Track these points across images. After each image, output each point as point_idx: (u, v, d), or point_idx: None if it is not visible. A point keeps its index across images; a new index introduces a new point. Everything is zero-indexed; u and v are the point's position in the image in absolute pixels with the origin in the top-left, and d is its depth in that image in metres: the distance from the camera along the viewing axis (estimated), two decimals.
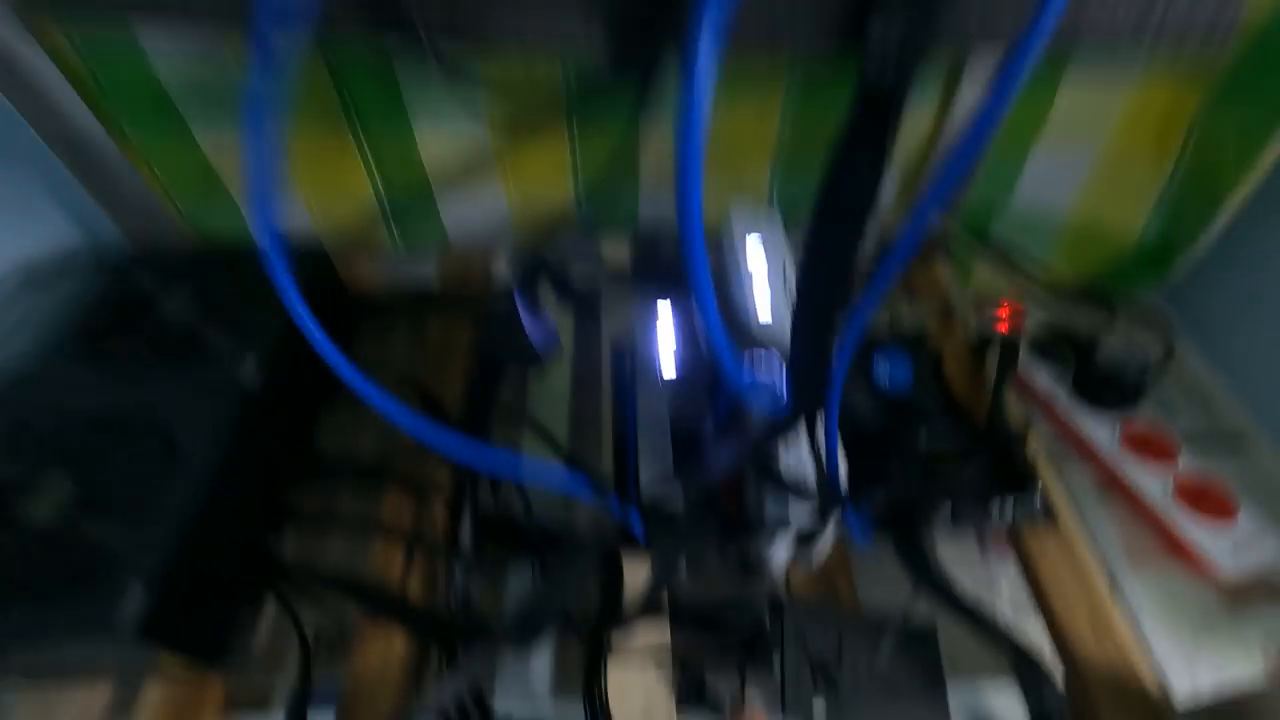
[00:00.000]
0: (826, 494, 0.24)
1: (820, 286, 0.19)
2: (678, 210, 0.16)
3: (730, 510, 0.31)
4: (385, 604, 0.35)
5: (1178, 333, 0.55)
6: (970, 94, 0.48)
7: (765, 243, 0.35)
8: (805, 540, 0.29)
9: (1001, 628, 0.32)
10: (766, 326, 0.32)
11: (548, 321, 0.28)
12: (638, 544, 0.36)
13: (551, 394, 0.51)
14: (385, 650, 0.36)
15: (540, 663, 0.38)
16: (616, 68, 0.16)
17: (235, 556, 0.36)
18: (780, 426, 0.23)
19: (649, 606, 0.30)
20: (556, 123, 0.49)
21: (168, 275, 0.44)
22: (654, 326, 0.34)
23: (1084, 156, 0.53)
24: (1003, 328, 0.54)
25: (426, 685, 0.35)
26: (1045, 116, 0.50)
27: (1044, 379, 0.50)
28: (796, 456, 0.27)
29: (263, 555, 0.38)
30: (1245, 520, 0.43)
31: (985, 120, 0.16)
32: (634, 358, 0.35)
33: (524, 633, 0.23)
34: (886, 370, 0.40)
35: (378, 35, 0.16)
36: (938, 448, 0.39)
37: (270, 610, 0.42)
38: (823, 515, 0.25)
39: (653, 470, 0.30)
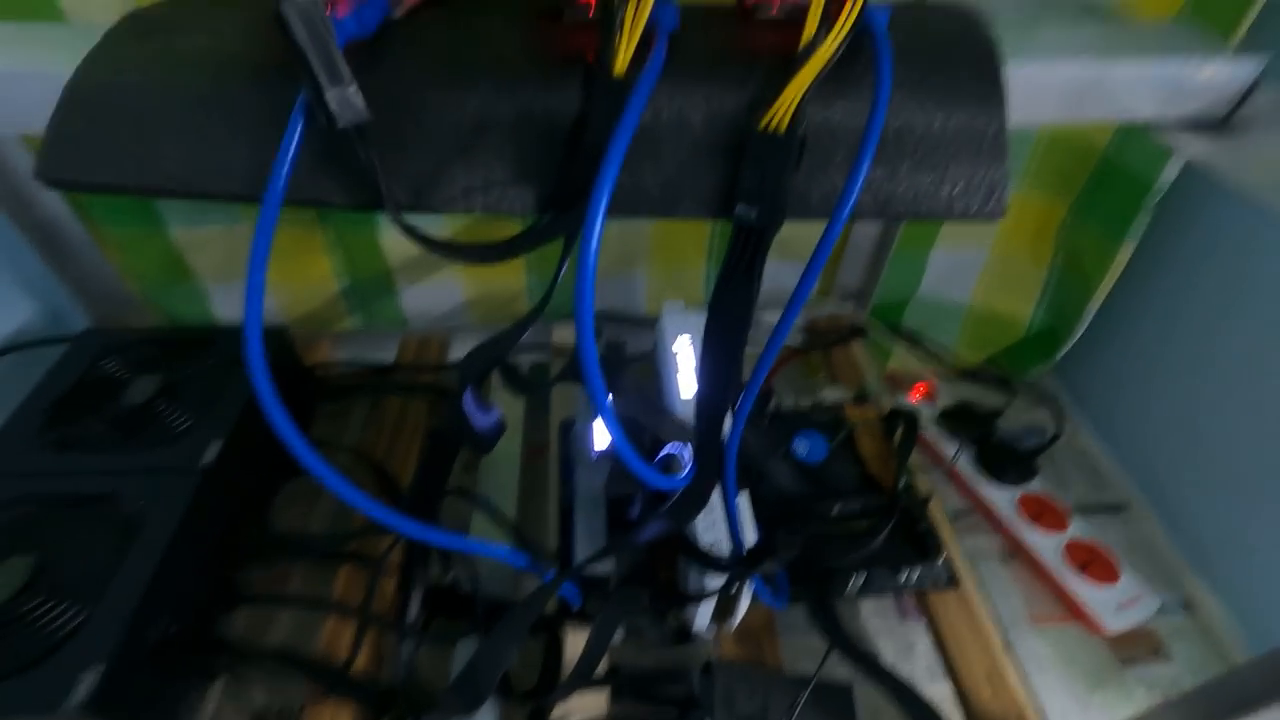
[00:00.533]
0: (737, 564, 0.28)
1: (713, 374, 0.23)
2: (576, 335, 0.20)
3: (663, 580, 0.34)
4: (331, 679, 0.36)
5: (1067, 410, 0.62)
6: None
7: (694, 340, 0.40)
8: (724, 606, 0.33)
9: (901, 683, 0.36)
10: (687, 403, 0.36)
11: (494, 412, 0.32)
12: (578, 615, 0.39)
13: (502, 472, 0.54)
14: None
15: None
16: (552, 228, 0.21)
17: (186, 635, 0.37)
18: (689, 502, 0.27)
19: (584, 675, 0.33)
20: (511, 224, 0.54)
21: (132, 357, 0.46)
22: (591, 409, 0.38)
23: (976, 258, 0.61)
24: (914, 397, 0.60)
25: None
26: (939, 226, 0.58)
27: (950, 451, 0.55)
28: (714, 530, 0.31)
29: (212, 634, 0.39)
30: (1127, 581, 0.48)
31: (820, 256, 0.21)
32: (575, 438, 0.39)
33: (464, 697, 0.25)
34: (806, 447, 0.45)
35: (352, 208, 0.21)
36: (850, 518, 0.43)
37: (219, 688, 0.42)
38: (732, 583, 0.28)
39: (587, 543, 0.33)
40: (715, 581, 0.30)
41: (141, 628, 0.33)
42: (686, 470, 0.26)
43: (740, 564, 0.27)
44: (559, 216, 0.21)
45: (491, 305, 0.60)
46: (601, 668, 0.40)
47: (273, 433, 0.38)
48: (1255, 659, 0.26)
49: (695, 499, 0.26)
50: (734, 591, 0.31)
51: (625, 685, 0.40)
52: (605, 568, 0.33)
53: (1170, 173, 0.46)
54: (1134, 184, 0.49)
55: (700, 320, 0.37)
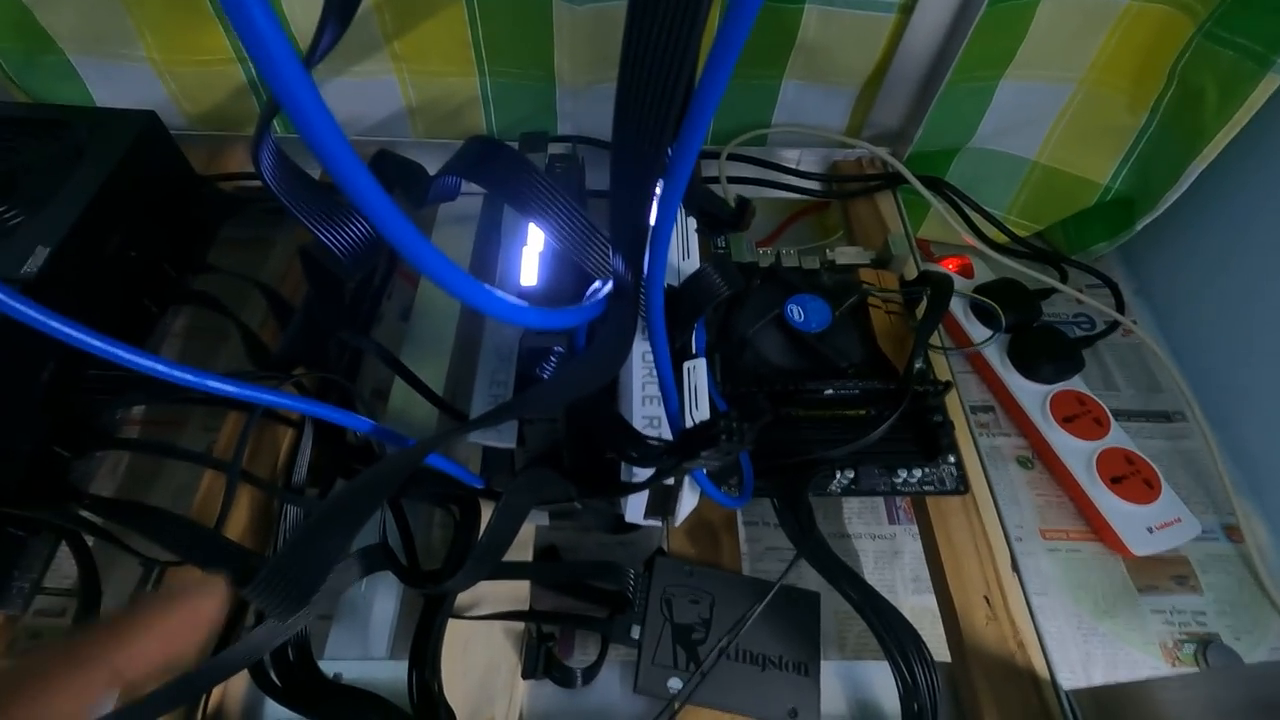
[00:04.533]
0: (666, 451, 0.20)
1: (632, 143, 0.14)
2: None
3: (588, 457, 0.26)
4: (191, 544, 0.30)
5: (1128, 299, 0.51)
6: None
7: None
8: (663, 495, 0.25)
9: (877, 598, 0.29)
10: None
11: (352, 227, 0.22)
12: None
13: (443, 316, 0.45)
14: None
15: (381, 619, 0.34)
16: None
17: (10, 481, 0.30)
18: (597, 355, 0.18)
19: (484, 561, 0.26)
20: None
21: None
22: (519, 239, 0.28)
23: (1057, 94, 0.47)
24: (948, 266, 0.49)
25: (239, 635, 0.31)
26: (1018, 44, 0.44)
27: (981, 336, 0.46)
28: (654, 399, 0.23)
29: (55, 478, 0.33)
30: (1165, 502, 0.40)
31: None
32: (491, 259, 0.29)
33: (274, 593, 0.18)
34: (802, 313, 0.35)
35: None
36: (846, 402, 0.35)
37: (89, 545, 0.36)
38: (661, 475, 0.20)
39: (486, 403, 0.25)
40: (642, 473, 0.22)
41: None
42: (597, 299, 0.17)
43: (670, 452, 0.19)
44: None
45: (437, 115, 0.48)
46: (536, 548, 0.34)
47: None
48: None
49: (605, 352, 0.17)
50: (671, 483, 0.24)
51: (552, 574, 0.34)
52: (506, 441, 0.25)
53: None
54: None
55: None
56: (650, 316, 0.17)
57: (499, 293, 0.15)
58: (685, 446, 0.18)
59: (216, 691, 0.30)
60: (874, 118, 0.50)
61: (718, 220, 0.27)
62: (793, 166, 0.51)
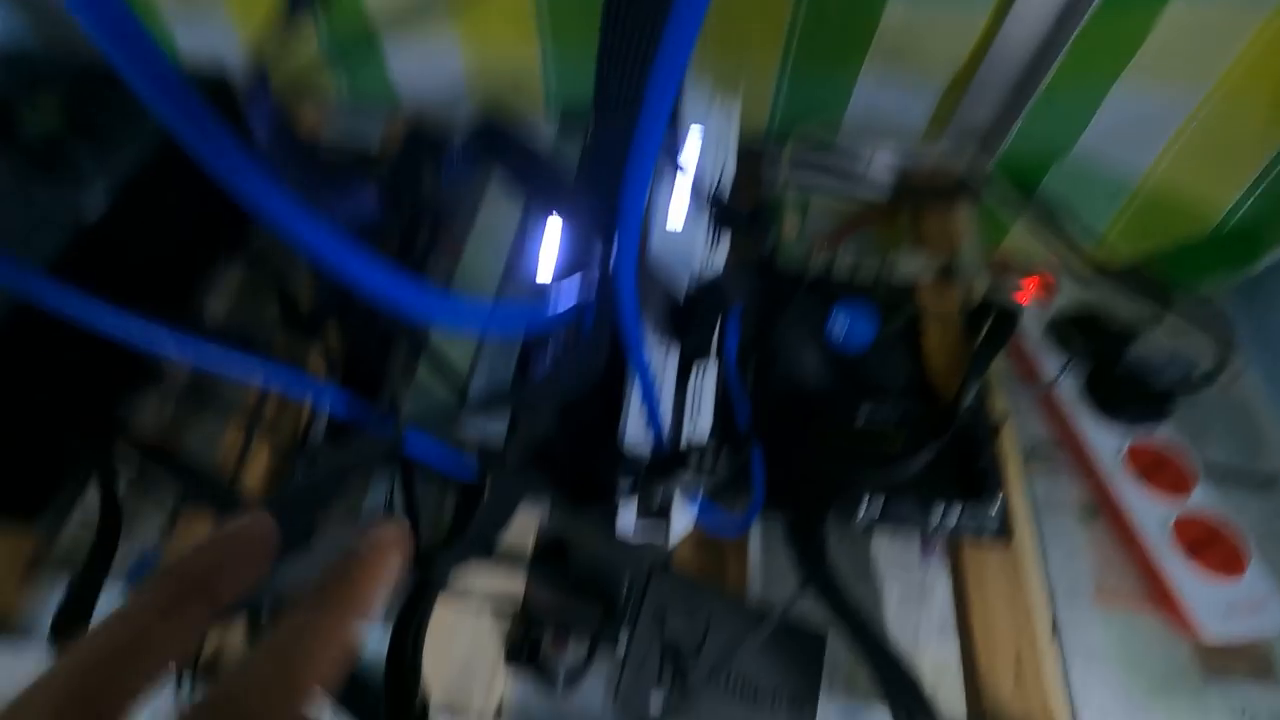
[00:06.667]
0: (645, 469, 0.18)
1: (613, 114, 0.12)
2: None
3: (580, 457, 0.25)
4: (205, 489, 0.31)
5: (1237, 343, 0.45)
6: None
7: (705, 136, 0.27)
8: (655, 511, 0.24)
9: (886, 647, 0.26)
10: (673, 235, 0.24)
11: (348, 203, 0.22)
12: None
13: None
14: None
15: None
16: None
17: (61, 409, 0.32)
18: (577, 361, 0.17)
19: (475, 546, 0.25)
20: None
21: (34, 82, 0.38)
22: (538, 229, 0.27)
23: (1180, 104, 0.42)
24: (1022, 299, 0.45)
25: None
26: (1138, 43, 0.39)
27: (1055, 368, 0.41)
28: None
29: (103, 416, 0.34)
30: (1252, 579, 0.35)
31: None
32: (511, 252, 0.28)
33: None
34: (845, 325, 0.33)
35: None
36: (883, 426, 0.32)
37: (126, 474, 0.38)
38: (643, 490, 0.19)
39: (482, 393, 0.24)
40: (625, 483, 0.20)
41: None
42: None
43: (649, 470, 0.17)
44: None
45: (496, 82, 0.48)
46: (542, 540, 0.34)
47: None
48: None
49: (584, 356, 0.16)
50: (657, 500, 0.22)
51: (551, 571, 0.33)
52: (495, 429, 0.24)
53: None
54: None
55: (728, 113, 0.24)
56: (621, 312, 0.15)
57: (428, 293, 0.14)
58: (661, 466, 0.16)
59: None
60: (960, 117, 0.45)
61: (732, 224, 0.25)
62: (863, 166, 0.47)
